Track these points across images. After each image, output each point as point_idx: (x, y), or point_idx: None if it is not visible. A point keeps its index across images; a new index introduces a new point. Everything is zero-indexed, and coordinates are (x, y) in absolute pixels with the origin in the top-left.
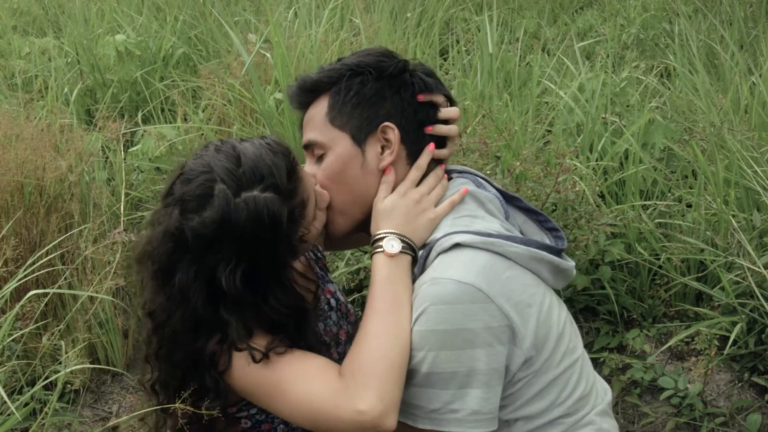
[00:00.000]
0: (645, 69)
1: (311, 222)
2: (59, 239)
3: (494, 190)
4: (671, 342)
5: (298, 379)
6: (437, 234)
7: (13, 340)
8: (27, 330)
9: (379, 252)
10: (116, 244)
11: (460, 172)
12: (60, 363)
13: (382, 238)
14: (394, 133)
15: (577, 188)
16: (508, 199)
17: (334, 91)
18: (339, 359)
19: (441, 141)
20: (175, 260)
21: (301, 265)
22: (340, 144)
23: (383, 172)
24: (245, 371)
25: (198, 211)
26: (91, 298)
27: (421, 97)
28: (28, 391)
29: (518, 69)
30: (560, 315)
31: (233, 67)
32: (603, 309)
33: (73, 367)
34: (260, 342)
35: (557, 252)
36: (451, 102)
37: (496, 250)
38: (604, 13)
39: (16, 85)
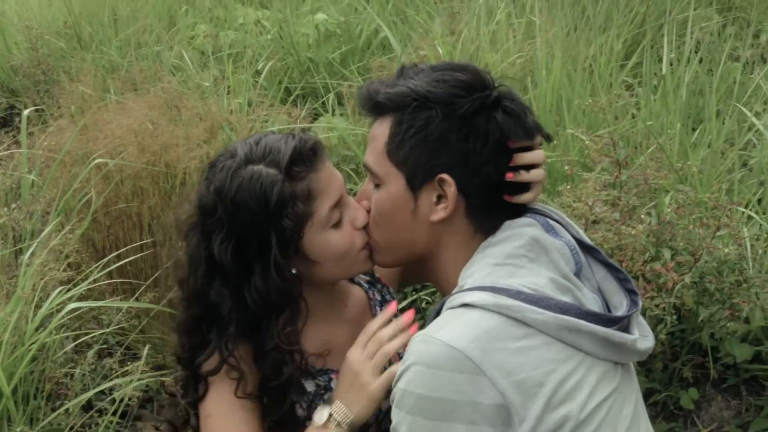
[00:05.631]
0: None
1: (325, 224)
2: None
3: (568, 237)
4: None
5: None
6: (465, 282)
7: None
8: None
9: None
10: None
11: (536, 211)
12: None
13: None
14: (450, 189)
15: (740, 251)
16: (587, 250)
17: (396, 121)
18: None
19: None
20: (188, 230)
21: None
22: (394, 183)
23: (434, 224)
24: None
25: (209, 183)
26: None
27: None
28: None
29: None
30: (591, 397)
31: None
32: None
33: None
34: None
35: (611, 321)
36: (538, 136)
37: (512, 315)
38: None
39: (223, 58)
